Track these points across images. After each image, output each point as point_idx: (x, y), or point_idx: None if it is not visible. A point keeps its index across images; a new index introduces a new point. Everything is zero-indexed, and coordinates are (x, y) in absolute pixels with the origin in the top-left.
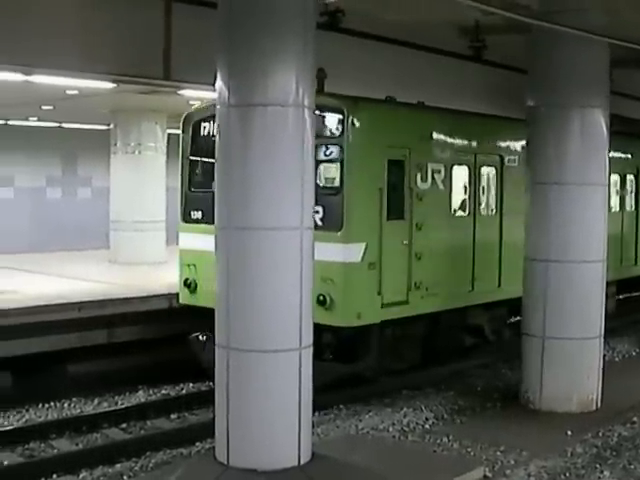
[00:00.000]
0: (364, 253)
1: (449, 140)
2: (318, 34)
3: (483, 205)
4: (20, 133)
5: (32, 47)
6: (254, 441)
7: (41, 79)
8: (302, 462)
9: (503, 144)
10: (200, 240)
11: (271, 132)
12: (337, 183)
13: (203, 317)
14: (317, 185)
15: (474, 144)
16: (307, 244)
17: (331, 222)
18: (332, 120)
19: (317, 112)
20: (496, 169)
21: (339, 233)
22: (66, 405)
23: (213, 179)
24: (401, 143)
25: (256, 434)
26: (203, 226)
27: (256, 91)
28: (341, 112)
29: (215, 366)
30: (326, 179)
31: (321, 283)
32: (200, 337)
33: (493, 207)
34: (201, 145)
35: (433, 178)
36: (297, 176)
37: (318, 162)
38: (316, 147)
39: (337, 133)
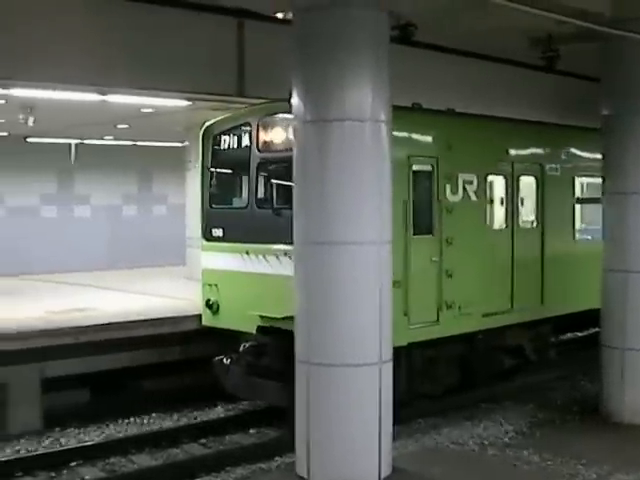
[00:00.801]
0: None
1: (482, 148)
2: (391, 48)
3: (522, 217)
4: (96, 152)
5: (108, 67)
6: (335, 455)
7: (116, 98)
8: (382, 476)
9: (544, 151)
10: (221, 259)
11: (348, 147)
12: None
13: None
14: None
15: (511, 152)
16: (386, 258)
17: None
18: None
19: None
20: (536, 178)
21: None
22: (145, 421)
23: (234, 195)
24: (427, 152)
25: (337, 448)
26: (224, 244)
27: (332, 106)
28: None
29: (295, 381)
30: None
31: None
32: (224, 360)
33: (534, 219)
34: (222, 159)
35: (464, 189)
36: (375, 191)
37: None
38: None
39: None
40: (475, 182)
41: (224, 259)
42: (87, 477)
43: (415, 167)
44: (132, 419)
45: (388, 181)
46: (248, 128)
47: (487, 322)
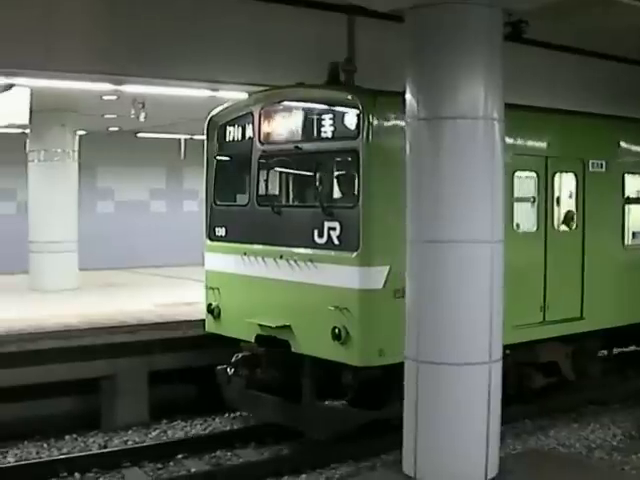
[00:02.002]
0: (387, 278)
1: (507, 141)
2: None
3: (558, 219)
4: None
5: (217, 63)
6: (442, 454)
7: (227, 94)
8: (489, 476)
9: (586, 145)
10: (223, 261)
11: (461, 145)
12: (352, 195)
13: None
14: (331, 196)
15: (544, 146)
16: (498, 257)
17: (347, 241)
18: (345, 118)
19: (325, 108)
20: (576, 176)
21: (355, 254)
22: (251, 415)
23: (238, 191)
24: None
25: (444, 447)
26: (225, 245)
27: (445, 104)
28: (356, 108)
29: (405, 378)
30: (341, 189)
31: (335, 313)
32: (228, 370)
33: (573, 221)
34: (227, 152)
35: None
36: (487, 189)
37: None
38: (329, 152)
39: (352, 134)
40: (534, 180)
41: (225, 261)
42: (193, 469)
43: None
44: (238, 414)
45: (500, 179)
46: (250, 118)
47: (512, 336)
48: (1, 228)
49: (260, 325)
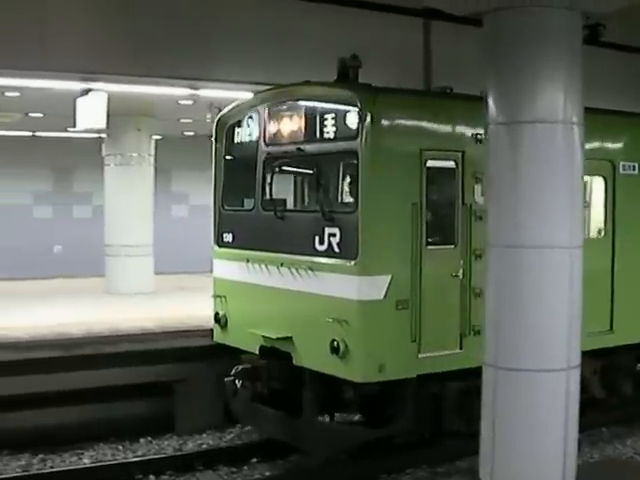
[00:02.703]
0: (389, 288)
1: None
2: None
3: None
4: None
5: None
6: (519, 462)
7: None
8: None
9: (615, 146)
10: (229, 268)
11: (540, 149)
12: (352, 199)
13: None
14: (329, 201)
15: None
16: (577, 263)
17: (346, 249)
18: (345, 117)
19: (327, 106)
20: (605, 179)
21: (353, 263)
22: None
23: (246, 195)
24: (449, 146)
25: (521, 454)
26: (231, 251)
27: (524, 108)
28: (355, 106)
29: (482, 384)
30: (341, 193)
31: (334, 325)
32: (236, 382)
33: (601, 228)
34: (235, 154)
35: None
36: (566, 194)
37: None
38: (330, 153)
39: (351, 134)
40: None
41: (231, 268)
42: (267, 473)
43: (431, 163)
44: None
45: (580, 184)
46: (257, 118)
47: None
48: (77, 232)
49: (263, 336)
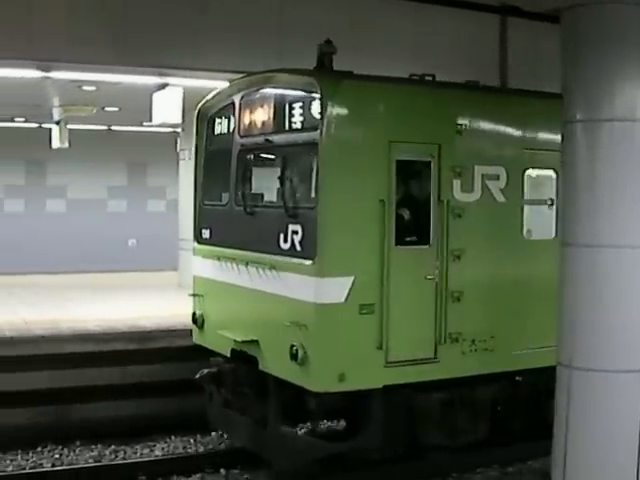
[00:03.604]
0: (350, 291)
1: (515, 133)
2: None
3: None
4: None
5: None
6: (592, 463)
7: None
8: None
9: None
10: (205, 266)
11: (617, 147)
12: (312, 195)
13: None
14: (293, 196)
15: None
16: None
17: (306, 247)
18: (309, 106)
19: (292, 95)
20: None
21: (311, 263)
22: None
23: (223, 190)
24: (423, 137)
25: (594, 456)
26: (209, 248)
27: (602, 106)
28: (316, 94)
29: (556, 385)
30: (303, 188)
31: (293, 329)
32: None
33: None
34: (214, 147)
35: (485, 187)
36: None
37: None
38: (294, 145)
39: (314, 124)
40: (503, 177)
41: (207, 266)
42: None
43: (401, 156)
44: None
45: None
46: (232, 108)
47: (525, 361)
48: (151, 226)
49: (234, 339)
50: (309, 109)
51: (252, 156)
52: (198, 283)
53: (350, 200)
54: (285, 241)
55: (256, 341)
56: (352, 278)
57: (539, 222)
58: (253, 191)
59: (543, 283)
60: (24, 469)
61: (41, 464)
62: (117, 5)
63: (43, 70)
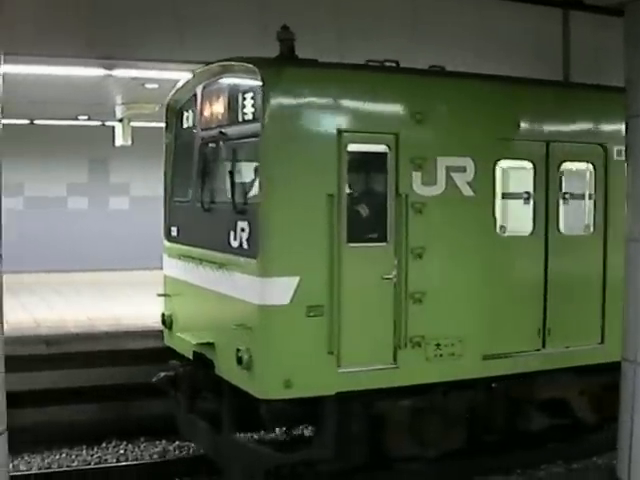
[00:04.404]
0: (296, 292)
1: (484, 121)
2: None
3: (566, 221)
4: None
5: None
6: None
7: None
8: None
9: (608, 127)
10: (172, 264)
11: None
12: (255, 190)
13: None
14: (242, 192)
15: (544, 127)
16: None
17: (250, 245)
18: (253, 96)
19: (241, 84)
20: (595, 166)
21: (255, 262)
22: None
23: (189, 186)
24: (378, 127)
25: None
26: (177, 247)
27: None
28: (256, 81)
29: (620, 381)
30: (248, 183)
31: (239, 332)
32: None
33: (589, 224)
34: (181, 141)
35: (449, 180)
36: None
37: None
38: (242, 137)
39: (251, 115)
40: (471, 170)
41: (172, 265)
42: None
43: (353, 147)
44: None
45: None
46: (194, 100)
47: (498, 367)
48: None
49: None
50: (253, 99)
51: (210, 150)
52: (167, 283)
53: (295, 195)
54: (235, 239)
55: (212, 344)
56: (298, 278)
57: (514, 218)
58: (210, 187)
59: (519, 282)
60: (89, 464)
61: (106, 459)
62: None
63: (106, 68)
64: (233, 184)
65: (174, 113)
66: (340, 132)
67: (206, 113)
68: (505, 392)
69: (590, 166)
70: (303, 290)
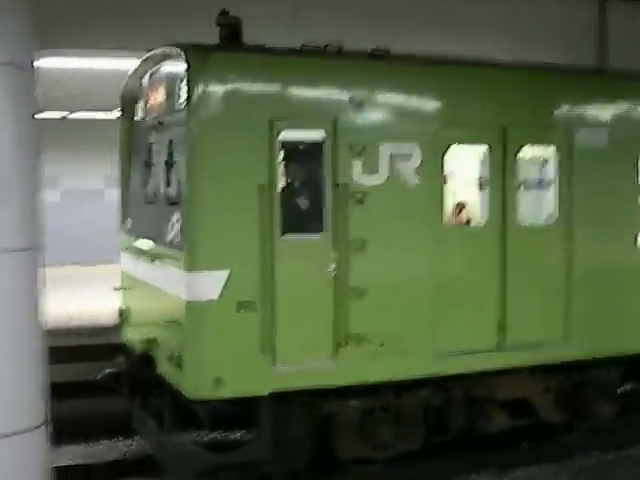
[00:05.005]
0: (226, 286)
1: (432, 105)
2: None
3: (524, 210)
4: None
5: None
6: None
7: None
8: None
9: (572, 109)
10: (124, 258)
11: None
12: (183, 181)
13: None
14: (176, 182)
15: (500, 110)
16: None
17: (182, 238)
18: (178, 83)
19: (173, 71)
20: (558, 150)
21: (182, 255)
22: None
23: (138, 178)
24: (313, 113)
25: None
26: (128, 239)
27: None
28: (182, 68)
29: None
30: (178, 173)
31: (170, 327)
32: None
33: (552, 213)
34: (135, 131)
35: (393, 167)
36: None
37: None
38: (174, 126)
39: (178, 105)
40: (417, 156)
41: (124, 258)
42: None
43: (286, 135)
44: None
45: None
46: (142, 88)
47: (449, 365)
48: None
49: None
50: (182, 86)
51: (153, 140)
52: (122, 277)
53: (224, 186)
54: (171, 231)
55: (155, 340)
56: (227, 272)
57: (466, 207)
58: (153, 178)
59: (473, 276)
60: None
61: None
62: None
63: None
64: (168, 175)
65: (127, 102)
66: (272, 120)
67: (150, 102)
68: (464, 392)
69: (552, 151)
70: (233, 284)
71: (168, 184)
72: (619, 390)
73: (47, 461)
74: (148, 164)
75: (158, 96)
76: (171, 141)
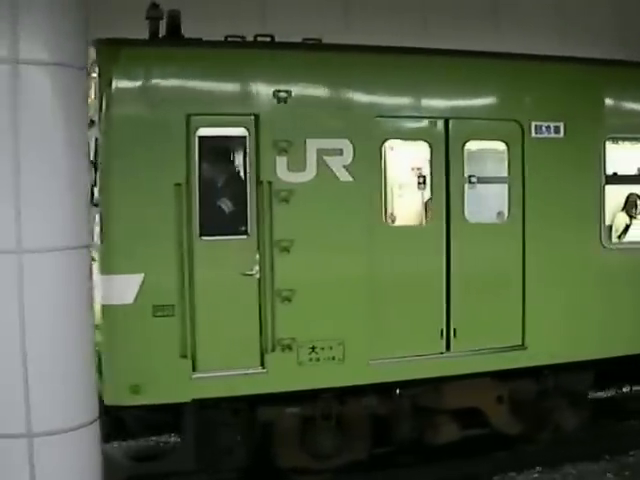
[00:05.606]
0: (141, 290)
1: (365, 98)
2: None
3: (471, 208)
4: None
5: None
6: None
7: None
8: None
9: (524, 100)
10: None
11: None
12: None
13: None
14: (97, 185)
15: (442, 102)
16: None
17: (98, 240)
18: (96, 81)
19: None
20: (508, 145)
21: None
22: None
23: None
24: (234, 108)
25: None
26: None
27: None
28: (94, 66)
29: None
30: (97, 176)
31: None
32: None
33: (503, 211)
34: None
35: (322, 165)
36: None
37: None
38: (97, 127)
39: (94, 102)
40: (349, 152)
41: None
42: None
43: (205, 131)
44: None
45: None
46: None
47: (388, 372)
48: None
49: None
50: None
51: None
52: None
53: (138, 186)
54: (96, 234)
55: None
56: (142, 275)
57: (407, 205)
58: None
59: (414, 278)
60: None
61: None
62: None
63: None
64: (95, 175)
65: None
66: (189, 116)
67: (89, 99)
68: (410, 400)
69: (502, 145)
70: (149, 288)
71: (93, 185)
72: (590, 396)
73: (100, 455)
74: (95, 165)
75: (91, 93)
76: (96, 140)
